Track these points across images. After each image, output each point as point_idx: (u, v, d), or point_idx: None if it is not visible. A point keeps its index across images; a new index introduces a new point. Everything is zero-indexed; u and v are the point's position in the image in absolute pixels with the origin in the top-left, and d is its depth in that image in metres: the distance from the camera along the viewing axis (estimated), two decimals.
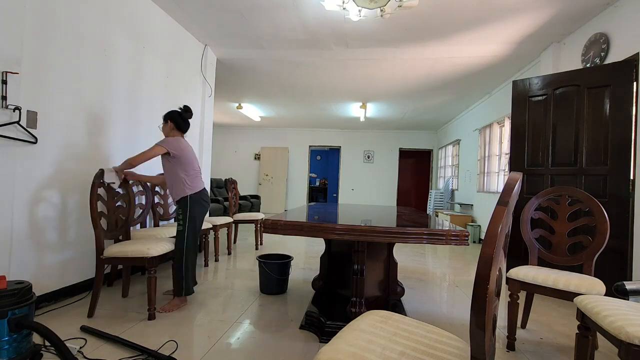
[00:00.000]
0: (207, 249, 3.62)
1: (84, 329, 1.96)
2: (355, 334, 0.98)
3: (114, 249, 2.22)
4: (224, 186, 8.20)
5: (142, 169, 3.04)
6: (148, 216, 3.16)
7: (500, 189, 5.48)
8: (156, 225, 3.29)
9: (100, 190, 2.37)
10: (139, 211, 3.06)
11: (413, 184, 10.85)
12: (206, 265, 3.58)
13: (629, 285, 1.99)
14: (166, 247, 2.33)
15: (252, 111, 8.02)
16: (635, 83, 2.69)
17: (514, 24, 3.46)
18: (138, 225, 3.08)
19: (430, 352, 0.91)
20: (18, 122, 2.04)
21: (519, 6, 3.14)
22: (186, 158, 2.41)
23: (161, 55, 3.50)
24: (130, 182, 3.01)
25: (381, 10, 2.58)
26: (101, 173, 2.27)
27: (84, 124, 2.58)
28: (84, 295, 2.53)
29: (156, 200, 3.38)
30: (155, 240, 2.38)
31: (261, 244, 4.80)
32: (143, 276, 3.16)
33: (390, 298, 2.48)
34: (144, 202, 3.15)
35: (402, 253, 4.73)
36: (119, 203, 2.56)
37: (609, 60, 3.00)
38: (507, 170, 5.09)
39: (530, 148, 3.25)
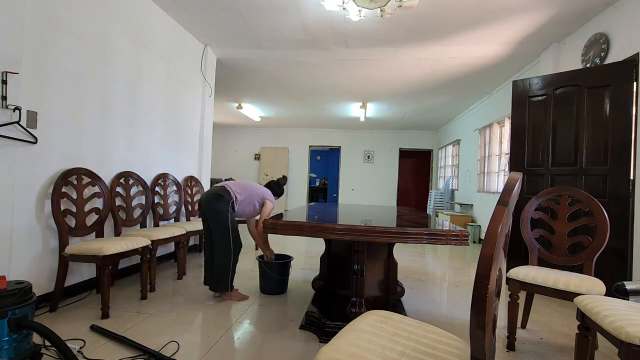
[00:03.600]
0: None
1: (94, 328, 1.97)
2: (355, 334, 0.98)
3: (73, 247, 2.22)
4: None
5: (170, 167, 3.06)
6: (148, 216, 3.16)
7: (500, 189, 5.48)
8: (156, 225, 3.29)
9: (68, 189, 2.40)
10: (138, 211, 3.06)
11: (413, 184, 10.85)
12: None
13: (629, 285, 1.99)
14: (129, 244, 2.31)
15: (252, 111, 8.02)
16: (635, 83, 2.69)
17: (514, 24, 3.46)
18: (138, 225, 3.08)
19: (430, 352, 0.91)
20: (18, 122, 2.04)
21: (519, 6, 3.14)
22: None
23: (161, 55, 3.50)
24: (131, 181, 3.02)
25: (381, 10, 2.58)
26: None
27: (84, 124, 2.58)
28: (84, 295, 2.53)
29: (156, 200, 3.38)
30: (119, 239, 2.37)
31: None
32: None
33: (390, 298, 2.48)
34: (143, 202, 3.15)
35: (402, 253, 4.73)
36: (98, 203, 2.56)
37: (609, 60, 3.00)
38: (507, 170, 5.08)
39: (530, 148, 3.25)
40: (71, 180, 2.41)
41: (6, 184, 2.01)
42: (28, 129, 2.12)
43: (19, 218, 2.12)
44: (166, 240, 2.84)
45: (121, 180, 2.91)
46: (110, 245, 2.18)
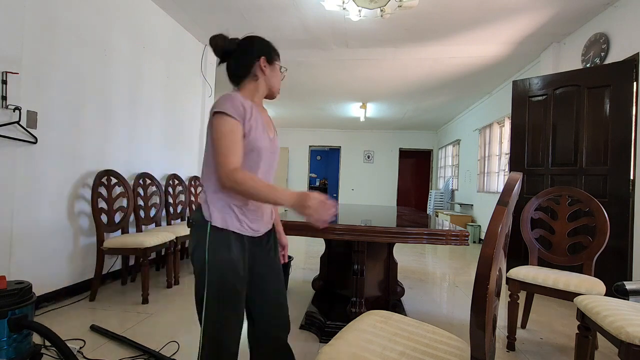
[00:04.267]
0: None
1: (94, 328, 1.98)
2: (355, 334, 0.98)
3: (112, 241, 2.47)
4: None
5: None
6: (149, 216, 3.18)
7: (500, 189, 5.49)
8: (168, 224, 3.42)
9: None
10: (153, 211, 3.21)
11: (413, 184, 10.85)
12: None
13: (629, 285, 1.99)
14: (161, 238, 2.60)
15: None
16: (635, 83, 2.69)
17: (514, 24, 3.46)
18: (153, 224, 3.20)
19: (430, 352, 0.91)
20: (18, 122, 2.04)
21: (519, 6, 3.14)
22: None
23: (161, 55, 3.50)
24: (129, 181, 3.03)
25: (381, 10, 2.58)
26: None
27: (84, 124, 2.58)
28: (85, 295, 2.53)
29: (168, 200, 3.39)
30: (151, 234, 2.63)
31: None
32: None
33: (390, 298, 2.48)
34: (157, 201, 3.28)
35: (402, 253, 4.73)
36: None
37: (609, 60, 3.00)
38: (507, 170, 5.08)
39: (530, 148, 3.25)
40: (103, 181, 2.65)
41: (6, 184, 2.01)
42: (28, 129, 2.12)
43: (19, 218, 2.12)
44: (186, 237, 3.08)
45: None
46: (150, 239, 2.47)
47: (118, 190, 2.79)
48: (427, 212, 7.64)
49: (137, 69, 3.14)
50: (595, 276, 1.98)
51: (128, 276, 2.92)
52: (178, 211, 3.62)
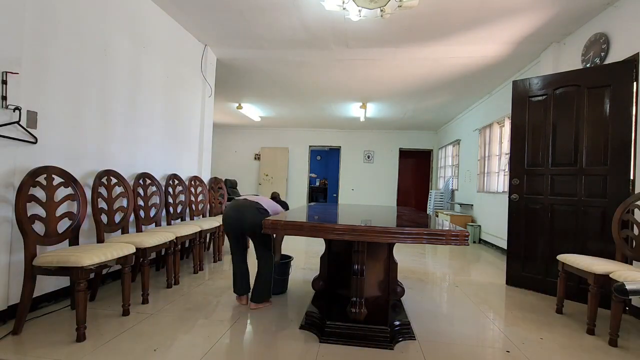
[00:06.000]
0: (213, 249, 3.62)
1: None
2: None
3: (112, 240, 2.43)
4: (236, 186, 8.28)
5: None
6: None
7: (500, 189, 5.49)
8: (168, 224, 3.43)
9: (40, 193, 2.09)
10: (153, 211, 3.22)
11: (413, 184, 10.84)
12: (214, 261, 3.58)
13: (629, 286, 1.97)
14: (161, 238, 2.59)
15: (252, 111, 8.01)
16: (635, 83, 2.69)
17: (514, 24, 3.46)
18: (153, 224, 3.22)
19: None
20: (18, 122, 2.04)
21: (519, 6, 3.14)
22: None
23: (161, 55, 3.50)
24: (125, 182, 3.02)
25: (381, 10, 2.58)
26: None
27: (84, 124, 2.58)
28: None
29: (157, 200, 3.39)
30: (151, 234, 2.61)
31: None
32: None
33: (390, 298, 2.48)
34: (157, 201, 3.28)
35: (402, 253, 4.73)
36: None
37: (609, 60, 3.00)
38: (507, 170, 5.08)
39: (530, 148, 3.25)
40: (103, 181, 2.64)
41: (6, 184, 2.01)
42: (28, 129, 2.12)
43: None
44: (186, 237, 3.10)
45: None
46: (150, 239, 2.47)
47: (118, 190, 2.78)
48: (427, 212, 7.65)
49: (137, 69, 3.14)
50: None
51: None
52: (178, 211, 3.62)
